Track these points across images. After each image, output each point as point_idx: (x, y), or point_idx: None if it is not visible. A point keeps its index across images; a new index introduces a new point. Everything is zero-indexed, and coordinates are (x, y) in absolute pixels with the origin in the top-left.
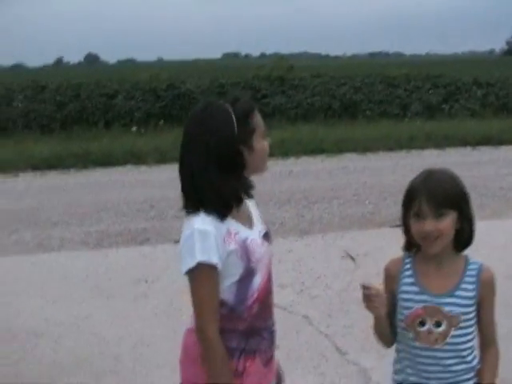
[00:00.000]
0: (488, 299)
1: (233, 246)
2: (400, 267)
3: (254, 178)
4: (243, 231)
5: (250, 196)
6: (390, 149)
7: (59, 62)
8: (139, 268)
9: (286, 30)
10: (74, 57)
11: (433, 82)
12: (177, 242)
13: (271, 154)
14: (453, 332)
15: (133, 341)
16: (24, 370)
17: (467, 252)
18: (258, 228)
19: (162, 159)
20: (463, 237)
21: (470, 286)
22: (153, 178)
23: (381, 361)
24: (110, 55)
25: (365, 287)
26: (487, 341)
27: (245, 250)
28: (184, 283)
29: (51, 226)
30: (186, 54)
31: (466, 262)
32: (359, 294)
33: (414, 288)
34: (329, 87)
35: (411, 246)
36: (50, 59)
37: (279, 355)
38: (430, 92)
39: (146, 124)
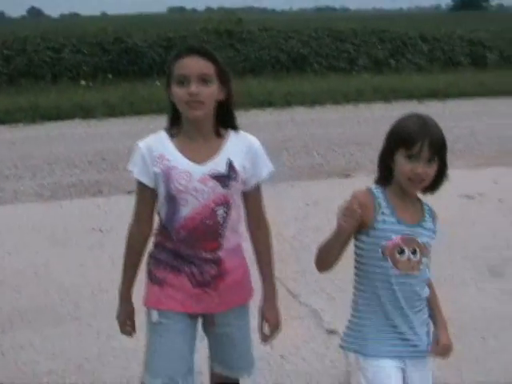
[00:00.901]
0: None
1: (157, 169)
2: (372, 199)
3: None
4: (177, 161)
5: (219, 134)
6: (338, 102)
7: (1, 16)
8: (94, 218)
9: None
10: (16, 11)
11: (379, 37)
12: (130, 192)
13: None
14: (423, 260)
15: (91, 287)
16: None
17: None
18: (212, 166)
19: (110, 113)
20: (434, 183)
21: (430, 219)
22: (102, 132)
23: (331, 302)
24: (53, 9)
25: (351, 198)
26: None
27: (167, 177)
28: None
29: (3, 179)
30: (130, 8)
31: (420, 200)
32: (310, 240)
33: (392, 219)
34: (277, 41)
35: (384, 180)
36: None
37: None
38: (379, 47)
39: (93, 78)
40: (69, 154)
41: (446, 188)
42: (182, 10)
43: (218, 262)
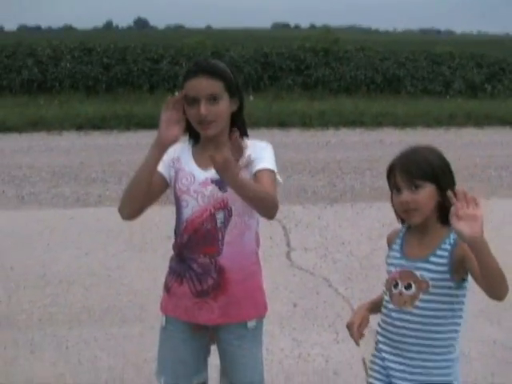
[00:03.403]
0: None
1: (172, 170)
2: (395, 236)
3: (292, 148)
4: (187, 164)
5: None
6: (429, 125)
7: (109, 25)
8: (171, 226)
9: (338, 3)
10: (124, 21)
11: (477, 61)
12: None
13: (311, 125)
14: (422, 296)
15: (159, 292)
16: (55, 313)
17: (495, 227)
18: (213, 173)
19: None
20: (445, 210)
21: (445, 253)
22: None
23: None
24: (159, 20)
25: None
26: None
27: (175, 177)
28: None
29: (90, 182)
30: (235, 22)
31: (449, 234)
32: (380, 261)
33: (396, 254)
34: (373, 61)
35: (404, 220)
36: (99, 22)
37: (298, 312)
38: (474, 71)
39: None
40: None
41: None
42: (285, 26)
43: (218, 271)
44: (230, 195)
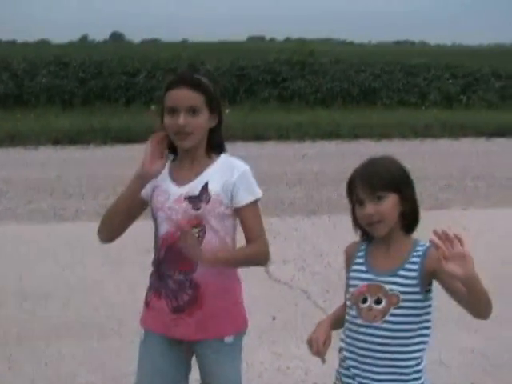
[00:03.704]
0: (447, 279)
1: (149, 187)
2: (355, 249)
3: (268, 160)
4: (163, 181)
5: (210, 156)
6: (405, 136)
7: (84, 39)
8: (149, 240)
9: (312, 16)
10: (99, 35)
11: (452, 72)
12: None
13: (287, 138)
14: (392, 311)
15: (137, 306)
16: (33, 328)
17: (470, 237)
18: (187, 189)
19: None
20: (408, 219)
21: (414, 267)
22: None
23: None
24: (135, 34)
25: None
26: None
27: (152, 194)
28: None
29: (67, 197)
30: (210, 35)
31: (415, 244)
32: None
33: (362, 267)
34: (348, 73)
35: (366, 233)
36: (75, 36)
37: (277, 325)
38: (449, 82)
39: None
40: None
41: (502, 226)
42: (260, 38)
43: (193, 287)
44: (205, 212)
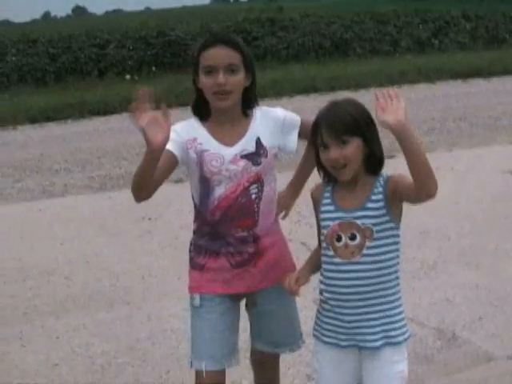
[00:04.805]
0: (401, 184)
1: (192, 152)
2: (321, 191)
3: None
4: (209, 144)
5: (247, 115)
6: (382, 84)
7: (47, 16)
8: (142, 207)
9: None
10: (61, 10)
11: (422, 17)
12: (177, 181)
13: (264, 95)
14: (368, 243)
15: (141, 273)
16: (39, 304)
17: (458, 176)
18: (241, 147)
19: (157, 105)
20: (373, 160)
21: (379, 196)
22: None
23: None
24: (97, 7)
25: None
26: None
27: (200, 159)
28: (186, 220)
29: (54, 173)
30: (173, 2)
31: (378, 178)
32: None
33: (331, 207)
34: (319, 27)
35: (330, 176)
36: (36, 14)
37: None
38: (420, 27)
39: (139, 72)
40: (117, 147)
41: (488, 164)
42: (225, 0)
43: (255, 240)
44: (263, 167)
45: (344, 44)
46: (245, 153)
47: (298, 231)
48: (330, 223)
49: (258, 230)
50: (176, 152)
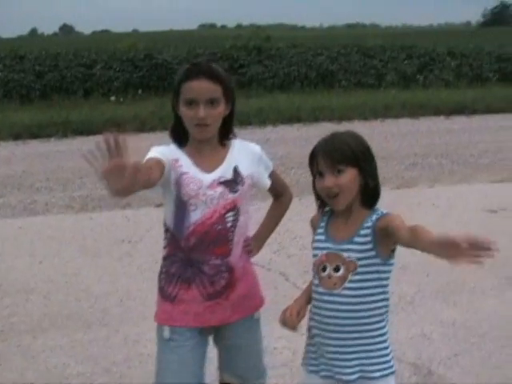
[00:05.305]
0: (393, 230)
1: (172, 173)
2: (319, 220)
3: None
4: (188, 167)
5: (223, 144)
6: (366, 118)
7: (33, 32)
8: (123, 229)
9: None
10: (49, 28)
11: (407, 53)
12: (158, 205)
13: (248, 123)
14: (351, 277)
15: (120, 295)
16: (16, 322)
17: (439, 213)
18: (219, 173)
19: (141, 128)
20: (368, 194)
21: (368, 231)
22: (132, 146)
23: None
24: (85, 26)
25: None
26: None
27: (178, 182)
28: None
29: (35, 191)
30: (161, 25)
31: (372, 213)
32: None
33: (322, 237)
34: (305, 57)
35: (324, 205)
36: (23, 30)
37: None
38: (405, 62)
39: (124, 93)
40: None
41: (469, 201)
42: (212, 26)
43: (229, 270)
44: (241, 195)
45: (329, 75)
46: (222, 179)
47: (278, 261)
48: (319, 252)
49: (231, 259)
50: (164, 160)
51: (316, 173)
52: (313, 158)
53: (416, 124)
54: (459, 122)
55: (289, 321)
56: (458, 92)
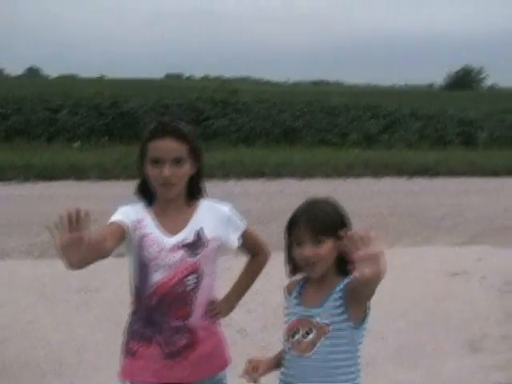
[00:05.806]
0: (358, 281)
1: (135, 234)
2: (294, 286)
3: None
4: (151, 229)
5: (190, 204)
6: (328, 175)
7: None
8: (81, 278)
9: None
10: (14, 69)
11: (373, 112)
12: (118, 255)
13: (212, 176)
14: (322, 341)
15: (76, 345)
16: None
17: (399, 274)
18: (182, 237)
19: (104, 175)
20: (344, 260)
21: (339, 295)
22: (95, 194)
23: None
24: (52, 69)
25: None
26: None
27: (139, 243)
28: (124, 295)
29: None
30: (128, 72)
31: (345, 279)
32: None
33: (295, 301)
34: (270, 113)
35: (296, 270)
36: None
37: None
38: (370, 122)
39: (88, 140)
40: (60, 214)
41: (430, 264)
42: (179, 76)
43: (190, 331)
44: (202, 258)
45: (292, 132)
46: (184, 243)
47: (237, 317)
48: (291, 317)
49: (192, 321)
50: (127, 223)
51: (295, 240)
52: (291, 225)
53: (378, 184)
54: (421, 183)
55: (249, 377)
56: (421, 153)
